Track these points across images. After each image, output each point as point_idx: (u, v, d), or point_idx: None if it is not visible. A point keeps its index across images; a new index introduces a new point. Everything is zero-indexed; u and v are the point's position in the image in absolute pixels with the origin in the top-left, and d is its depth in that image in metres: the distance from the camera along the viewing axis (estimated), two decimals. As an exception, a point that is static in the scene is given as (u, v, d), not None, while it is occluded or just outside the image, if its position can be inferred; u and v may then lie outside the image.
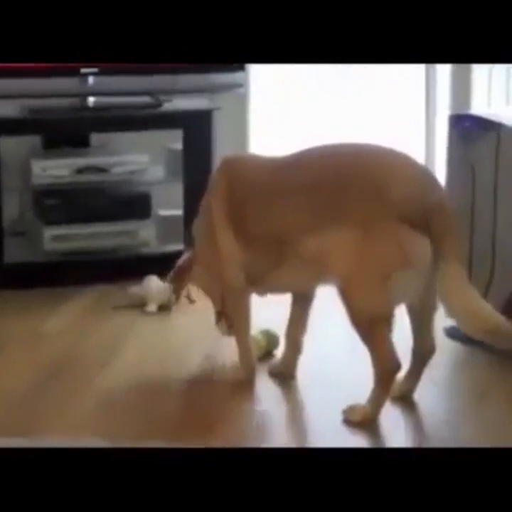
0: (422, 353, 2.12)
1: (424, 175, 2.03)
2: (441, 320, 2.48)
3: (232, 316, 2.26)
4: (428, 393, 2.16)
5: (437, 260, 1.94)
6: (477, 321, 1.92)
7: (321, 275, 2.05)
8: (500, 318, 1.93)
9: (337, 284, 2.01)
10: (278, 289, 2.21)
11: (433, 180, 2.03)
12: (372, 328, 2.00)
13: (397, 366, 2.00)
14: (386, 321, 1.98)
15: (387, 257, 1.93)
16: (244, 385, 2.22)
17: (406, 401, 2.11)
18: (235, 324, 2.26)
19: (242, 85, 3.15)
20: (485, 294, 2.05)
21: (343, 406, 2.04)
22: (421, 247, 1.93)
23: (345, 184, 1.99)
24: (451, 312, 1.98)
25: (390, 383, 2.01)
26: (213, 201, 2.21)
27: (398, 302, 2.00)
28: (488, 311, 1.94)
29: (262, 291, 2.22)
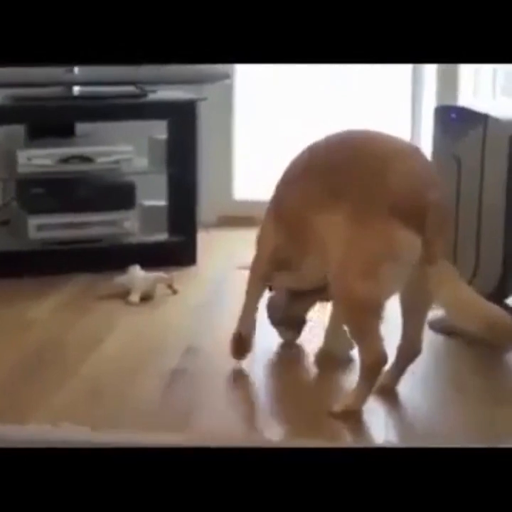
0: (408, 352, 2.11)
1: (424, 171, 2.00)
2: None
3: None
4: (409, 385, 2.17)
5: (430, 259, 1.93)
6: (477, 316, 1.91)
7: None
8: (500, 312, 1.92)
9: (329, 269, 2.00)
10: (309, 278, 2.17)
11: (433, 178, 2.00)
12: (361, 318, 1.99)
13: (384, 359, 2.00)
14: (375, 311, 1.97)
15: (376, 248, 1.92)
16: (226, 376, 2.22)
17: (387, 394, 2.11)
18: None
19: (228, 76, 3.14)
20: (469, 284, 2.05)
21: (327, 396, 2.04)
22: (410, 241, 1.92)
23: (347, 169, 1.99)
24: (448, 310, 1.97)
25: (376, 375, 2.01)
26: None
27: (384, 294, 1.99)
28: (488, 306, 1.93)
29: (299, 282, 2.21)
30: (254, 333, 2.28)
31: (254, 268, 2.27)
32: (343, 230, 1.96)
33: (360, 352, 2.01)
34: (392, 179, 1.94)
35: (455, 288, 1.94)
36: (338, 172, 2.00)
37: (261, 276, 2.25)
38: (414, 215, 1.91)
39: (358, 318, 2.00)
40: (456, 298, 1.93)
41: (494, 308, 1.93)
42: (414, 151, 2.04)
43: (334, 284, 2.01)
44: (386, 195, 1.92)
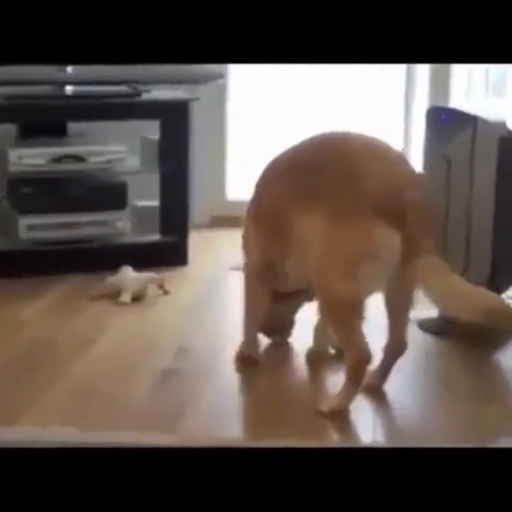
0: (394, 348, 2.12)
1: (401, 172, 2.02)
2: (414, 312, 2.51)
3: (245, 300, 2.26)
4: (398, 385, 2.17)
5: (416, 255, 1.93)
6: (473, 304, 1.91)
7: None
8: (497, 298, 1.93)
9: (310, 269, 2.01)
10: (294, 279, 2.16)
11: (411, 178, 2.02)
12: (342, 317, 2.00)
13: (368, 358, 2.00)
14: (356, 310, 1.98)
15: (355, 247, 1.94)
16: (218, 376, 2.23)
17: (374, 393, 2.11)
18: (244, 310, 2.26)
19: (222, 76, 3.14)
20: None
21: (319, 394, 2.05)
22: (388, 240, 1.93)
23: (325, 170, 2.01)
24: (443, 302, 1.97)
25: (361, 374, 2.01)
26: None
27: (365, 293, 2.00)
28: (483, 293, 1.94)
29: (283, 283, 2.20)
30: (258, 351, 2.29)
31: (248, 275, 2.24)
32: (321, 230, 1.97)
33: (345, 351, 2.02)
34: (367, 179, 1.95)
35: (447, 279, 1.94)
36: (316, 173, 2.02)
37: (258, 280, 2.21)
38: (391, 213, 1.93)
39: (340, 318, 2.01)
40: (449, 289, 1.94)
41: (489, 294, 1.95)
42: (392, 153, 2.05)
43: (315, 285, 2.02)
44: (362, 195, 1.94)
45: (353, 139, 2.07)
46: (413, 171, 2.05)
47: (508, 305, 1.92)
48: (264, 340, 2.39)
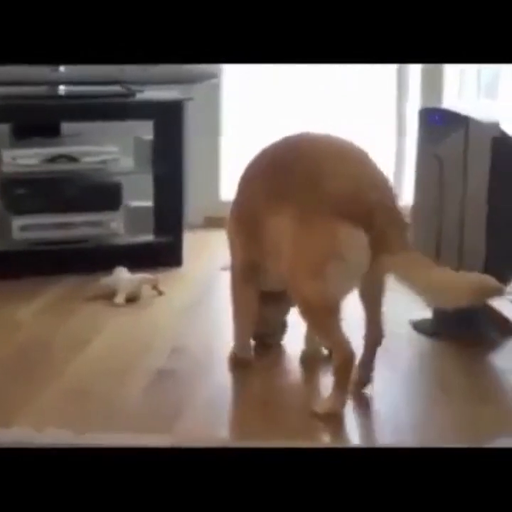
0: (373, 339, 2.14)
1: (366, 171, 2.03)
2: (408, 313, 2.52)
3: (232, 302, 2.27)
4: (393, 385, 2.18)
5: (391, 253, 1.94)
6: (460, 288, 1.92)
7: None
8: (482, 276, 1.94)
9: (282, 271, 2.03)
10: (276, 280, 2.16)
11: (376, 176, 2.03)
12: (317, 318, 2.02)
13: (350, 355, 2.00)
14: (330, 311, 1.99)
15: (320, 248, 1.95)
16: (212, 376, 2.23)
17: (363, 388, 2.12)
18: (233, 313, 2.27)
19: (216, 76, 3.14)
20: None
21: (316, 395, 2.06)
22: (354, 240, 1.94)
23: (292, 171, 2.03)
24: (428, 293, 1.96)
25: (347, 372, 2.01)
26: None
27: (336, 293, 1.99)
28: (466, 275, 1.96)
29: (268, 284, 2.21)
30: (251, 352, 2.28)
31: (233, 276, 2.25)
32: (290, 232, 1.99)
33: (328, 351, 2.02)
34: (331, 181, 1.97)
35: (428, 270, 1.95)
36: (285, 174, 2.04)
37: (243, 281, 2.22)
38: (356, 214, 1.94)
39: (315, 319, 2.03)
40: (432, 279, 1.94)
41: (472, 275, 1.95)
42: (357, 153, 2.07)
43: (288, 286, 2.04)
44: (327, 196, 1.96)
45: (319, 140, 2.10)
46: (378, 171, 2.06)
47: (492, 278, 1.93)
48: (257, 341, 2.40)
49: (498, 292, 1.95)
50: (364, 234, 1.94)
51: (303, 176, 2.01)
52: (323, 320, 2.01)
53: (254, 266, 2.18)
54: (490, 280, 1.93)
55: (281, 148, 2.12)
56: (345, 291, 2.01)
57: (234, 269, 2.25)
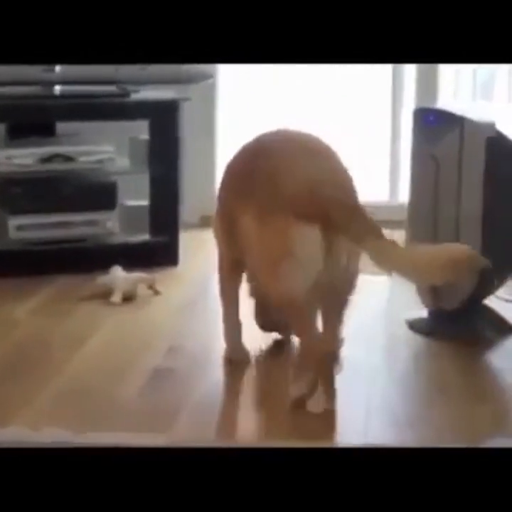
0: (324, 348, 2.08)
1: (323, 167, 2.03)
2: (404, 313, 2.53)
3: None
4: (390, 385, 2.18)
5: (358, 244, 1.93)
6: (440, 263, 1.90)
7: None
8: (460, 247, 1.94)
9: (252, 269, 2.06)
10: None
11: (332, 174, 2.03)
12: (286, 315, 2.04)
13: (325, 347, 1.99)
14: (296, 306, 1.98)
15: (275, 246, 1.96)
16: (209, 375, 2.23)
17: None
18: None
19: (212, 76, 3.14)
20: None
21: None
22: (307, 236, 1.94)
23: (254, 170, 2.05)
24: (409, 273, 1.95)
25: (327, 368, 2.00)
26: None
27: (296, 288, 1.97)
28: (443, 249, 1.96)
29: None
30: (245, 352, 2.28)
31: (220, 274, 2.28)
32: (252, 231, 2.02)
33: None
34: (284, 178, 1.98)
35: (403, 252, 1.95)
36: (249, 174, 2.06)
37: (229, 279, 2.25)
38: (310, 212, 1.93)
39: (286, 316, 2.05)
40: (409, 259, 1.94)
41: (449, 247, 1.96)
42: (316, 150, 2.07)
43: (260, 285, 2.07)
44: (280, 194, 1.97)
45: (280, 138, 2.11)
46: (339, 168, 2.05)
47: (470, 248, 1.93)
48: (264, 339, 2.39)
49: (478, 262, 1.94)
50: (318, 231, 1.93)
51: (262, 175, 2.03)
52: (291, 317, 2.03)
53: (238, 264, 2.19)
54: (469, 253, 1.92)
55: (251, 147, 2.14)
56: (303, 288, 1.97)
57: (219, 266, 2.27)
